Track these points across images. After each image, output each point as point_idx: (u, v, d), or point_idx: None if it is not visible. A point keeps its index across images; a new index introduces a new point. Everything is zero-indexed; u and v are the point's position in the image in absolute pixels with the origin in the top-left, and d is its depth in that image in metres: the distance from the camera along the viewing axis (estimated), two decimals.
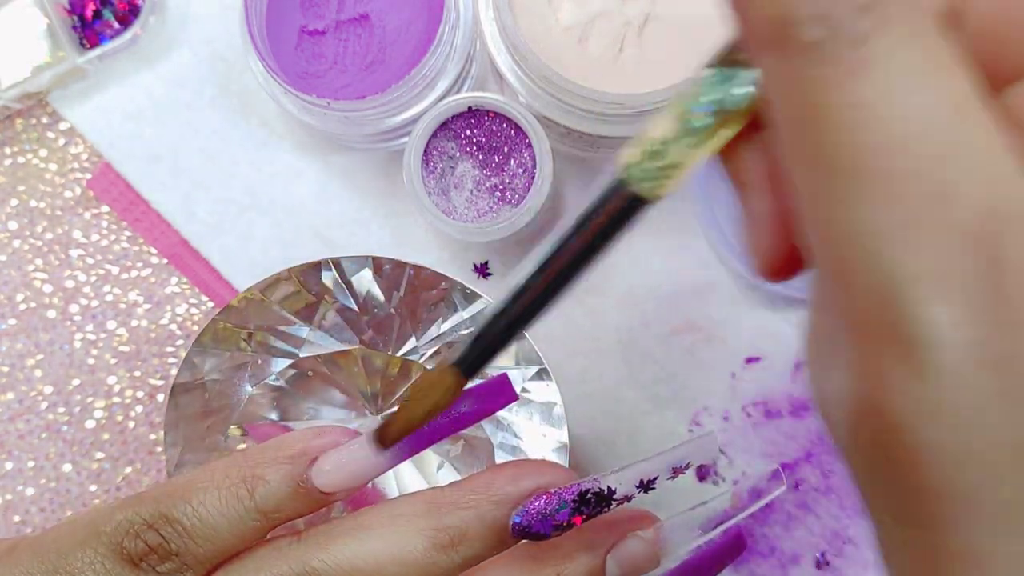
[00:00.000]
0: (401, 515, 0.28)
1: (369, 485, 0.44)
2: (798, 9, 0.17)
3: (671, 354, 0.47)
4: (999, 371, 0.17)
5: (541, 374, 0.41)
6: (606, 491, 0.29)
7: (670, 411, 0.46)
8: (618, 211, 0.22)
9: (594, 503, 0.29)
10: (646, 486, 0.30)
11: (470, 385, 0.26)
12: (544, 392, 0.42)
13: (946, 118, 0.17)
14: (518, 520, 0.28)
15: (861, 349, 0.18)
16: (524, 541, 0.30)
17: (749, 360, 0.47)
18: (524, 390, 0.42)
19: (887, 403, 0.18)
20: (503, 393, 0.30)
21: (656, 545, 0.30)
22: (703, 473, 0.46)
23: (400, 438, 0.28)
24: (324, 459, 0.29)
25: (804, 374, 0.23)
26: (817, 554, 0.46)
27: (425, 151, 0.43)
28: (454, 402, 0.27)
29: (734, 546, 0.35)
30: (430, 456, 0.45)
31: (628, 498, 0.29)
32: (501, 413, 0.43)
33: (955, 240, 0.17)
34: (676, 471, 0.30)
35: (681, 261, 0.47)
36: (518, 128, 0.43)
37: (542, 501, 0.29)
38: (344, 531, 0.28)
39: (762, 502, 0.32)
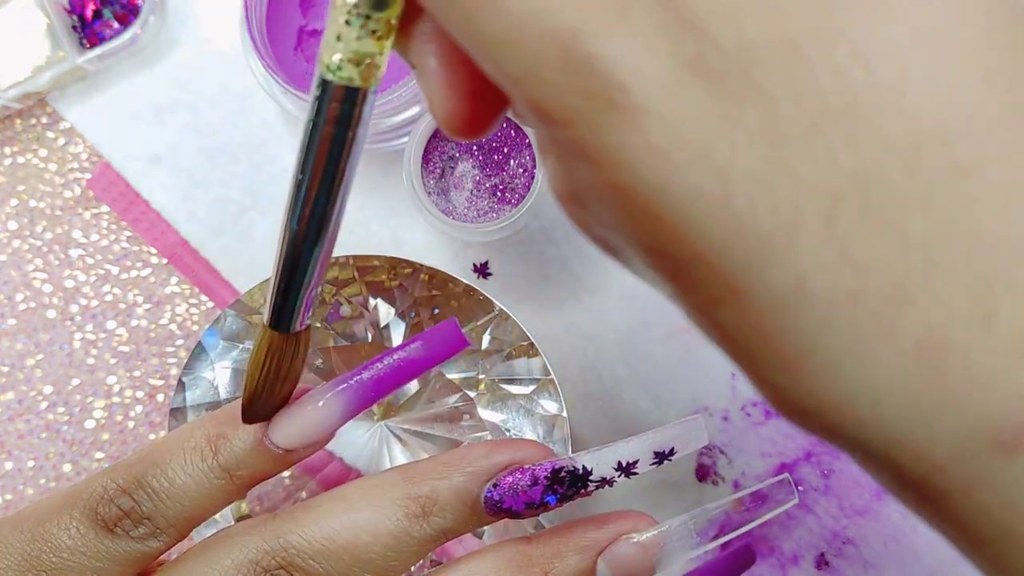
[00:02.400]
0: (375, 486, 0.28)
1: (339, 463, 0.44)
2: None
3: (671, 354, 0.47)
4: (700, 76, 0.16)
5: (544, 379, 0.41)
6: (581, 471, 0.28)
7: (670, 411, 0.46)
8: (338, 109, 0.22)
9: (569, 482, 0.28)
10: (626, 470, 0.28)
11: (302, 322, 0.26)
12: (545, 392, 0.42)
13: None
14: (490, 494, 0.28)
15: (562, 131, 0.18)
16: (514, 539, 0.30)
17: None
18: (528, 395, 0.42)
19: (619, 169, 0.17)
20: (452, 339, 0.30)
21: (651, 551, 0.29)
22: (702, 473, 0.46)
23: (260, 408, 0.28)
24: (280, 415, 0.29)
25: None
26: (817, 554, 0.46)
27: (425, 151, 0.43)
28: (285, 359, 0.27)
29: (743, 559, 0.34)
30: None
31: (608, 481, 0.29)
32: (502, 416, 0.43)
33: None
34: (659, 456, 0.29)
35: None
36: (518, 128, 0.43)
37: (515, 476, 0.28)
38: (318, 504, 0.28)
39: (771, 514, 0.31)
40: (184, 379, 0.42)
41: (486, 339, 0.43)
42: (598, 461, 0.29)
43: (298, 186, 0.24)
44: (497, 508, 0.28)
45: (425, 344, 0.29)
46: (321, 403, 0.29)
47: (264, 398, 0.28)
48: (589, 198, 0.19)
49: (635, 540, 0.29)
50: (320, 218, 0.24)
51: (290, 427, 0.29)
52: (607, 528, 0.29)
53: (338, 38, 0.21)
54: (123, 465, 0.29)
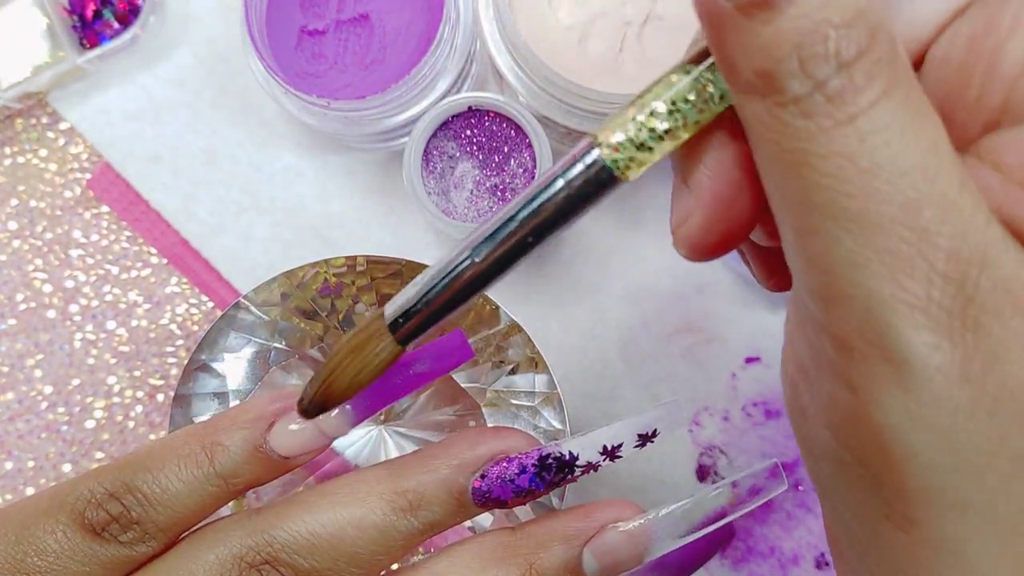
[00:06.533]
0: (361, 481, 0.28)
1: (342, 460, 0.44)
2: (785, 64, 0.19)
3: (671, 354, 0.47)
4: (973, 387, 0.19)
5: (542, 374, 0.41)
6: (567, 456, 0.29)
7: None
8: (588, 186, 0.23)
9: (556, 468, 0.28)
10: (611, 453, 0.29)
11: (417, 343, 0.26)
12: (545, 392, 0.42)
13: (921, 170, 0.19)
14: (478, 485, 0.28)
15: (848, 365, 0.20)
16: (498, 528, 0.29)
17: (749, 360, 0.47)
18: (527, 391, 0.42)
19: (875, 412, 0.20)
20: (459, 351, 0.30)
21: (638, 539, 0.29)
22: (703, 473, 0.46)
23: (327, 407, 0.28)
24: (280, 422, 0.29)
25: (785, 383, 0.24)
26: (817, 554, 0.46)
27: (425, 151, 0.43)
28: (391, 365, 0.27)
29: (720, 536, 0.34)
30: None
31: (593, 466, 0.29)
32: (503, 417, 0.43)
33: (933, 277, 0.19)
34: (643, 438, 0.29)
35: (681, 261, 0.47)
36: (518, 128, 0.43)
37: (502, 465, 0.29)
38: (304, 499, 0.28)
39: (759, 501, 0.31)
40: (193, 367, 0.41)
41: (494, 351, 0.42)
42: (583, 446, 0.29)
43: (503, 225, 0.24)
44: (485, 498, 0.28)
45: (431, 356, 0.30)
46: (327, 419, 0.29)
47: (335, 394, 0.27)
48: (829, 413, 0.21)
49: (622, 528, 0.29)
50: (502, 266, 0.24)
51: (291, 435, 0.29)
52: (593, 517, 0.29)
53: (631, 124, 0.22)
54: (110, 469, 0.28)
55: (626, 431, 0.29)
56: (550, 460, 0.28)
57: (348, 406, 0.29)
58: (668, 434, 0.30)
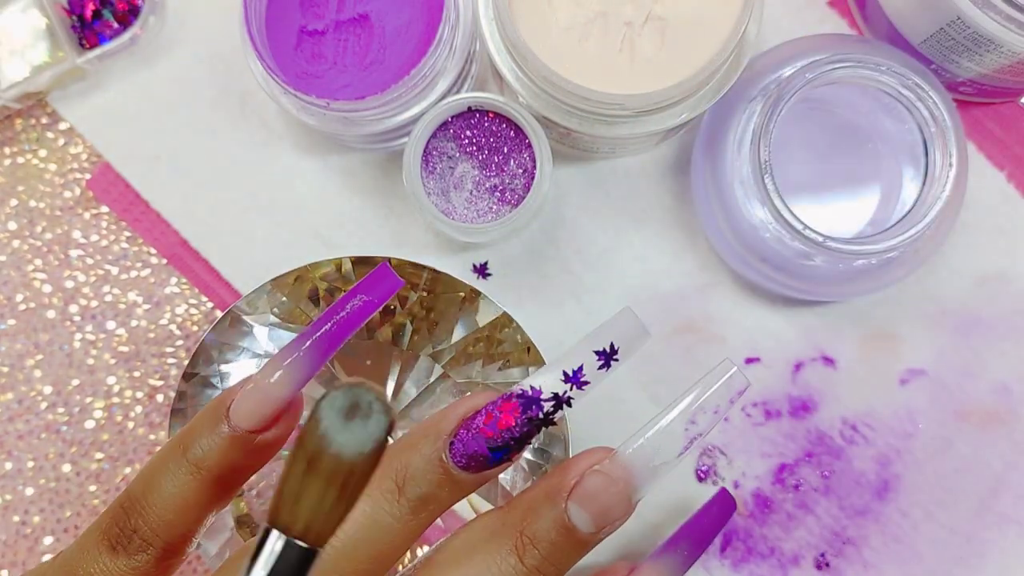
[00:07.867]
0: None
1: None
2: None
3: (671, 354, 0.47)
4: None
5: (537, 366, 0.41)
6: (531, 391, 0.29)
7: None
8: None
9: (522, 406, 0.28)
10: (576, 379, 0.29)
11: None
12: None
13: None
14: (455, 443, 0.28)
15: None
16: (490, 509, 0.29)
17: (749, 360, 0.47)
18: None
19: None
20: (387, 280, 0.30)
21: (618, 477, 0.28)
22: (703, 474, 0.46)
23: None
24: (238, 397, 0.30)
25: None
26: (817, 554, 0.46)
27: (425, 151, 0.43)
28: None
29: (724, 504, 0.34)
30: None
31: (564, 400, 0.29)
32: None
33: None
34: (603, 356, 0.29)
35: (681, 261, 0.47)
36: (518, 128, 0.43)
37: (473, 418, 0.29)
38: None
39: (733, 406, 0.30)
40: (185, 380, 0.42)
41: (487, 343, 0.43)
42: (543, 377, 0.29)
43: None
44: (465, 458, 0.28)
45: (361, 294, 0.30)
46: (274, 378, 0.29)
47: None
48: None
49: (597, 469, 0.29)
50: None
51: (245, 403, 0.29)
52: (571, 470, 0.29)
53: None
54: (127, 487, 0.30)
55: (581, 351, 0.29)
56: (514, 399, 0.29)
57: (289, 368, 0.29)
58: (630, 349, 0.29)
